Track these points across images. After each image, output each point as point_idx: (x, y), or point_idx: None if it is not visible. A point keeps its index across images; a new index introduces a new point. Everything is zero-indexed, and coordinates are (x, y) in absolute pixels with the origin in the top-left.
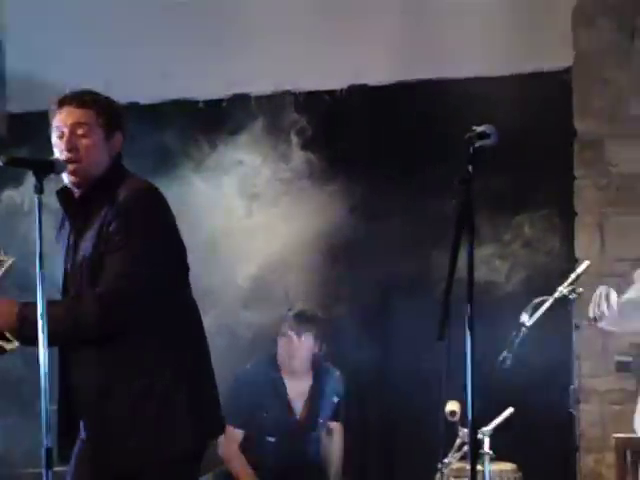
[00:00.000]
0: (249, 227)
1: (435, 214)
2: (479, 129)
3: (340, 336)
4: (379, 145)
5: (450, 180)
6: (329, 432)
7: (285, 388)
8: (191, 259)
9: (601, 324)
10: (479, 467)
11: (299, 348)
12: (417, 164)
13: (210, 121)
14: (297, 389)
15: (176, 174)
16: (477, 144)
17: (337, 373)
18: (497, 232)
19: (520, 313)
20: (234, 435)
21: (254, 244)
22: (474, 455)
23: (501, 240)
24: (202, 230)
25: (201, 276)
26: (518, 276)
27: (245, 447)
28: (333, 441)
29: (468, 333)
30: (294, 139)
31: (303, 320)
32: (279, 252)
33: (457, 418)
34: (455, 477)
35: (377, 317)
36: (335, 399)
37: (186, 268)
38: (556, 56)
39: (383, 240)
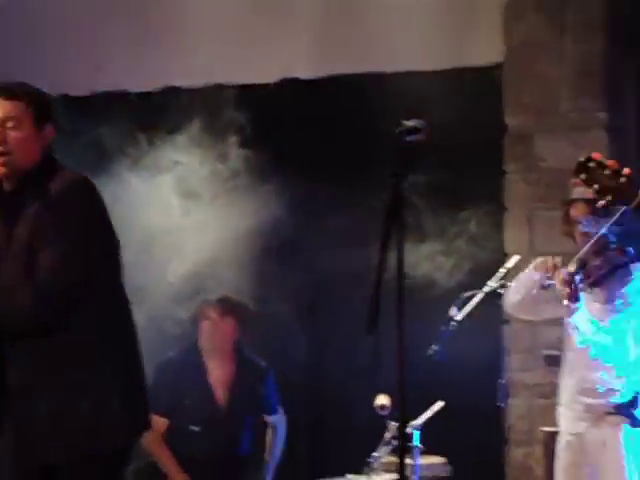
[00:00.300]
0: (185, 225)
1: (373, 210)
2: (409, 124)
3: (273, 330)
4: (314, 141)
5: (384, 175)
6: (265, 426)
7: (207, 374)
8: (124, 257)
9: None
10: (409, 460)
11: (220, 330)
12: (352, 159)
13: (144, 116)
14: (219, 375)
15: (112, 171)
16: (407, 139)
17: (263, 364)
18: (441, 228)
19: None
20: (157, 424)
21: (189, 242)
22: (403, 448)
23: (445, 236)
24: (137, 228)
25: (133, 273)
26: (461, 271)
27: (169, 437)
28: (275, 435)
29: (397, 328)
30: (232, 137)
31: (226, 305)
32: (214, 249)
33: (387, 412)
34: (385, 471)
35: (311, 312)
36: (262, 390)
37: (119, 264)
38: (487, 51)
39: (321, 236)
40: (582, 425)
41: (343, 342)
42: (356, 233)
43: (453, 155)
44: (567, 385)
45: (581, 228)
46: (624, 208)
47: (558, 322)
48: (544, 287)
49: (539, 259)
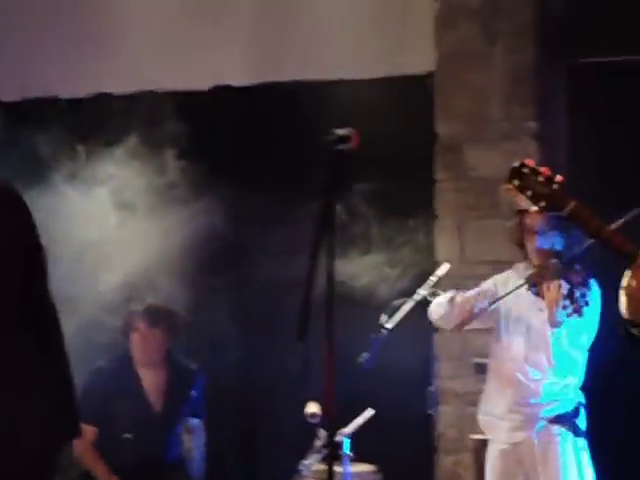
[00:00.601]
0: (121, 237)
1: (310, 219)
2: (340, 132)
3: (206, 338)
4: (249, 150)
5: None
6: (189, 430)
7: (140, 382)
8: (58, 268)
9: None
10: (338, 468)
11: (150, 342)
12: (288, 168)
13: (79, 125)
14: (153, 383)
15: (48, 182)
16: (338, 147)
17: (194, 367)
18: (387, 237)
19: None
20: (86, 433)
21: (124, 253)
22: (332, 456)
23: (391, 245)
24: (72, 240)
25: (67, 284)
26: (406, 280)
27: (101, 445)
28: (195, 440)
29: (327, 335)
30: (168, 149)
31: (153, 315)
32: (150, 260)
33: (317, 420)
34: (315, 478)
35: (246, 320)
36: (193, 394)
37: (45, 272)
38: (419, 60)
39: (258, 245)
40: (520, 435)
41: (276, 350)
42: (293, 242)
43: (386, 164)
44: (502, 395)
45: (538, 244)
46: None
47: (489, 330)
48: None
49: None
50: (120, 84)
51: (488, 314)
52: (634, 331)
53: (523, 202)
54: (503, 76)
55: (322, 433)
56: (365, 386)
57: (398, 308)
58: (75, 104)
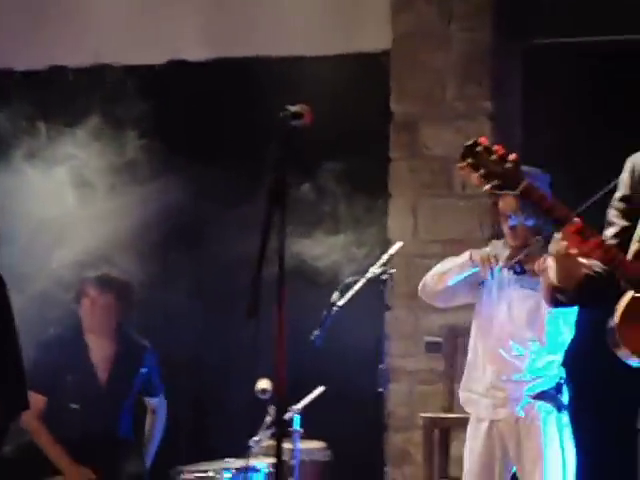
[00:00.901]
0: (81, 215)
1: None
2: (293, 109)
3: (161, 313)
4: (206, 126)
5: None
6: (151, 409)
7: (88, 350)
8: (14, 246)
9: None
10: (288, 445)
11: (100, 307)
12: (246, 145)
13: (38, 101)
14: (101, 354)
15: (6, 161)
16: (291, 123)
17: (146, 344)
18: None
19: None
20: (36, 402)
21: (82, 232)
22: (281, 433)
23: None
24: (30, 218)
25: (23, 260)
26: (372, 259)
27: (49, 415)
28: (157, 420)
29: (278, 312)
30: (129, 128)
31: (105, 281)
32: (109, 238)
33: (268, 396)
34: (265, 455)
35: (202, 297)
36: (144, 370)
37: None
38: (375, 38)
39: (218, 223)
40: (502, 412)
41: (231, 327)
42: (252, 219)
43: (340, 142)
44: (484, 371)
45: (510, 222)
46: None
47: (440, 310)
48: (479, 283)
49: (473, 253)
50: (75, 57)
51: (473, 289)
52: (561, 297)
53: (476, 180)
54: (459, 56)
55: (272, 410)
56: (317, 363)
57: (350, 286)
58: (31, 77)
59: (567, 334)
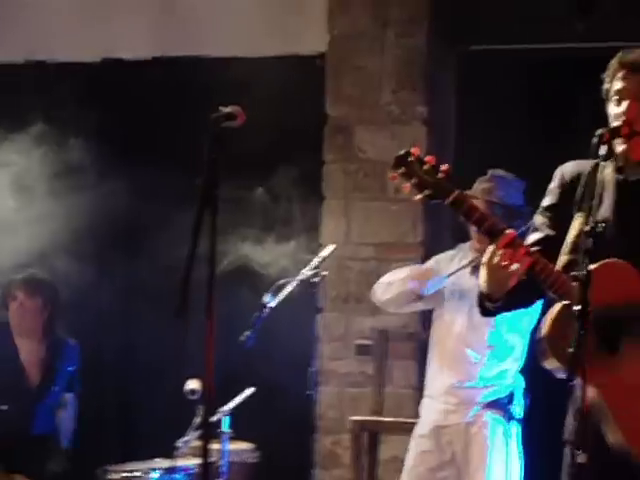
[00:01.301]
0: (22, 220)
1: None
2: (226, 110)
3: (93, 313)
4: (146, 127)
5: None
6: (62, 404)
7: (17, 353)
8: None
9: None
10: (217, 446)
11: (28, 311)
12: (184, 147)
13: None
14: (30, 355)
15: None
16: (223, 125)
17: (72, 342)
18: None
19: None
20: None
21: (24, 235)
22: (207, 434)
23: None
24: None
25: None
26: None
27: None
28: (65, 413)
29: (207, 313)
30: (72, 131)
31: (32, 284)
32: (46, 242)
33: (197, 396)
34: (194, 455)
35: (137, 298)
36: (70, 368)
37: None
38: (311, 41)
39: (158, 226)
40: (452, 418)
41: (164, 329)
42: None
43: (275, 143)
44: (441, 376)
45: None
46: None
47: (371, 313)
48: (420, 297)
49: (415, 268)
50: (9, 53)
51: (432, 295)
52: (488, 305)
53: (408, 190)
54: (394, 60)
55: (201, 410)
56: (248, 365)
57: (282, 287)
58: None
59: (516, 341)
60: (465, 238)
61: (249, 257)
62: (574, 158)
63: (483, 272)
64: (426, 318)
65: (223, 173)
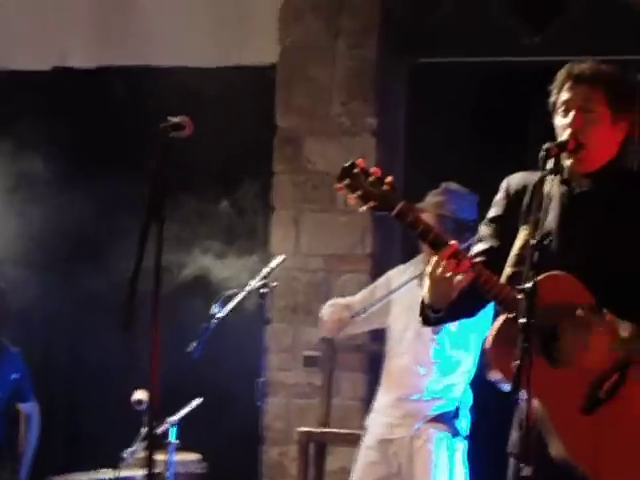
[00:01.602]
0: None
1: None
2: (174, 120)
3: (41, 322)
4: (97, 136)
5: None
6: (22, 415)
7: None
8: None
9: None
10: (164, 457)
11: None
12: (134, 155)
13: None
14: None
15: None
16: (171, 135)
17: (14, 350)
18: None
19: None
20: None
21: None
22: (152, 444)
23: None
24: None
25: None
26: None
27: None
28: (30, 424)
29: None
30: (27, 137)
31: None
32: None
33: (144, 407)
34: (140, 466)
35: (85, 308)
36: (14, 376)
37: None
38: (262, 51)
39: (115, 237)
40: (397, 431)
41: (112, 339)
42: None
43: (225, 154)
44: (388, 389)
45: None
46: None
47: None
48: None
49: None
50: None
51: (375, 314)
52: (430, 315)
53: (354, 201)
54: (345, 71)
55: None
56: (196, 375)
57: (230, 298)
58: None
59: (461, 357)
60: (415, 250)
61: (209, 269)
62: (525, 170)
63: (426, 283)
64: (375, 330)
65: (186, 185)
